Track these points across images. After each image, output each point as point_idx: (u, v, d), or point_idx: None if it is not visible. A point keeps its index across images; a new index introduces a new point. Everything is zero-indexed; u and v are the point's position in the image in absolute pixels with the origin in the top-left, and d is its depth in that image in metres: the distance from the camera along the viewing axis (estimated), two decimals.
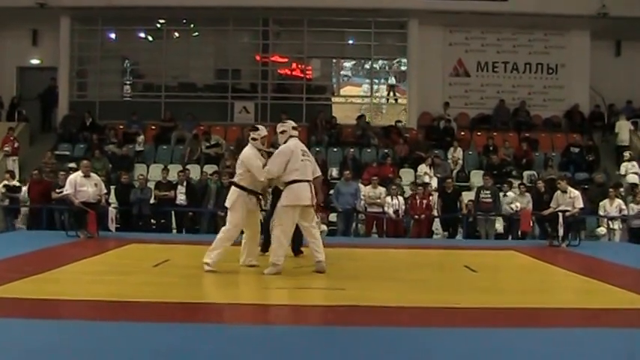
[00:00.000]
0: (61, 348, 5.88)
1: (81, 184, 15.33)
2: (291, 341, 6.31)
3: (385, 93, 26.48)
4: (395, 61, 26.12)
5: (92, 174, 15.83)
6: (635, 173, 21.15)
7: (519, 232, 18.25)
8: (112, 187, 18.43)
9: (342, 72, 26.79)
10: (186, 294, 8.65)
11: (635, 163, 21.47)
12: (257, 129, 10.78)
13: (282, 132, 10.43)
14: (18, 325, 6.78)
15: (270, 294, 8.92)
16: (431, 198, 18.63)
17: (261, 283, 9.68)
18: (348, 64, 26.80)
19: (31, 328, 6.63)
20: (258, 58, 25.36)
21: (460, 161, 22.04)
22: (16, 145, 21.61)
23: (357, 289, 9.21)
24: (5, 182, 18.59)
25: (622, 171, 21.50)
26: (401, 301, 8.41)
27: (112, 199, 17.87)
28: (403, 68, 25.51)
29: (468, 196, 19.15)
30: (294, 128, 10.48)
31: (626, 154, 21.83)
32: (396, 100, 26.34)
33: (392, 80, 26.43)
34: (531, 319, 7.69)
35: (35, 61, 25.35)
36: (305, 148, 10.47)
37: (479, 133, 24.01)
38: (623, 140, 23.04)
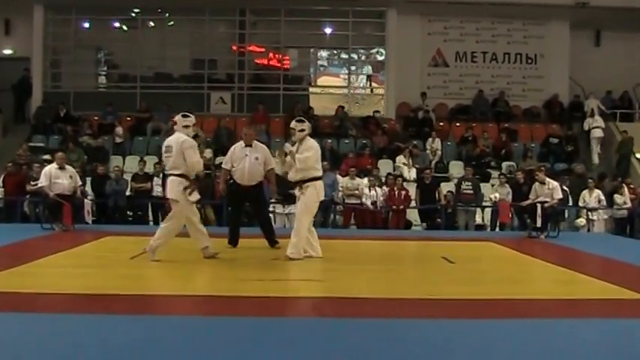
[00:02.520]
0: (36, 341, 5.83)
1: (56, 176, 15.19)
2: (266, 333, 6.24)
3: (363, 83, 26.38)
4: (373, 51, 25.98)
5: (67, 166, 15.66)
6: (599, 127, 22.26)
7: (498, 224, 18.24)
8: (88, 179, 18.21)
9: (319, 62, 26.63)
10: (163, 286, 8.67)
11: (598, 117, 22.46)
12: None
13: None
14: None
15: (246, 286, 8.81)
16: (406, 188, 18.58)
17: (238, 275, 9.63)
18: (325, 53, 26.62)
19: (6, 321, 6.55)
20: (234, 47, 25.19)
21: (439, 152, 21.99)
22: None
23: (334, 281, 9.26)
24: None
25: (585, 127, 22.56)
26: (378, 292, 8.44)
27: (88, 190, 17.67)
28: (381, 58, 25.40)
29: (446, 187, 19.11)
30: (184, 126, 10.39)
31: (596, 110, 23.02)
32: (371, 90, 26.23)
33: (368, 69, 26.32)
34: (509, 309, 7.65)
35: (8, 52, 24.98)
36: (173, 143, 10.26)
37: (457, 124, 23.95)
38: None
